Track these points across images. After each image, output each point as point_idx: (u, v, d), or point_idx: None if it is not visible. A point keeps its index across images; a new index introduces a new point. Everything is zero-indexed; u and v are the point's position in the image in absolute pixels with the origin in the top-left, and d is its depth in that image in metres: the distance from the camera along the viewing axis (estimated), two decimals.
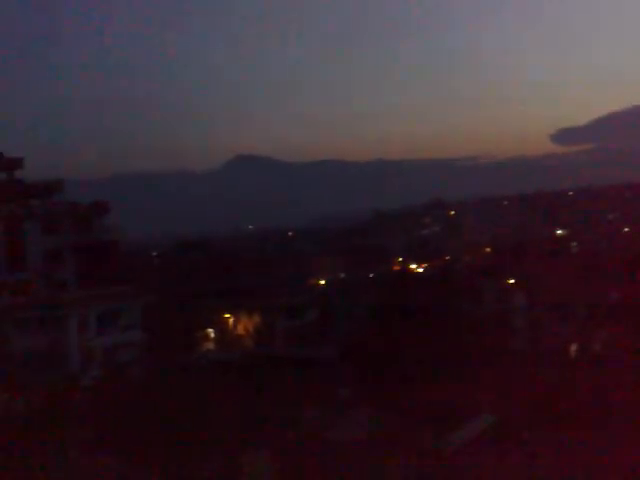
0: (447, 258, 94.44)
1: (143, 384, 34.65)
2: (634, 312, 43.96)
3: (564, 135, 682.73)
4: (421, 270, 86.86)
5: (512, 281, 61.38)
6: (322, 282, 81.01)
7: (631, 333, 39.90)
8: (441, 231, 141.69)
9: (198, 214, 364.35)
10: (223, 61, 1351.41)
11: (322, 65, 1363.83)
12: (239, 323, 59.65)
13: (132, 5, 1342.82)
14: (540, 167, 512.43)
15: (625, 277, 54.92)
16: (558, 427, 26.22)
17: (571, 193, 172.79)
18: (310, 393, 31.12)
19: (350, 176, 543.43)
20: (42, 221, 46.70)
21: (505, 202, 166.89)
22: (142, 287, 48.25)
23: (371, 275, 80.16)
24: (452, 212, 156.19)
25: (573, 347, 43.19)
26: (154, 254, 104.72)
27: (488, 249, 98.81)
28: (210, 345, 56.97)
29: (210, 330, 58.64)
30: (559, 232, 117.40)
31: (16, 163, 47.78)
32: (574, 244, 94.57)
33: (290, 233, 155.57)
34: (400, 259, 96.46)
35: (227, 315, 60.17)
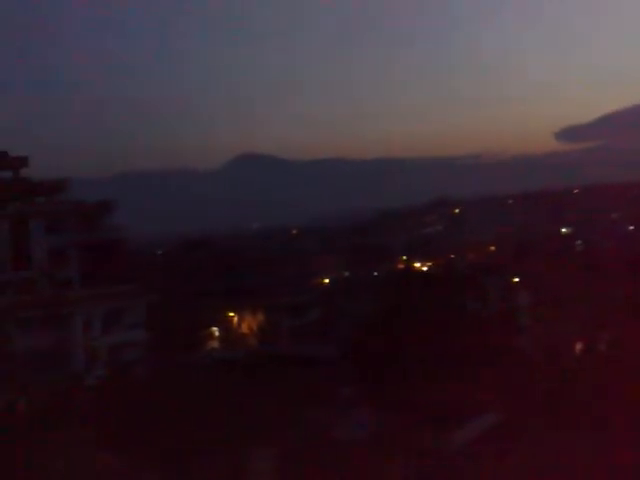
0: (451, 256, 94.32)
1: (147, 383, 34.68)
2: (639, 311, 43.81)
3: (568, 133, 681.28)
4: (425, 269, 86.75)
5: (516, 280, 61.26)
6: (326, 281, 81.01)
7: (637, 332, 39.75)
8: (445, 229, 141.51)
9: (201, 213, 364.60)
10: (225, 60, 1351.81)
11: (324, 64, 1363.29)
12: (243, 322, 59.71)
13: (135, 5, 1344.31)
14: (544, 165, 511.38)
15: (630, 276, 54.73)
16: (562, 427, 26.14)
17: (576, 191, 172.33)
18: (313, 392, 31.11)
19: (353, 174, 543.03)
20: (47, 220, 46.71)
21: (509, 200, 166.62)
22: (146, 286, 48.24)
23: (375, 274, 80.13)
24: (456, 210, 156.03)
25: (578, 346, 43.08)
26: (159, 253, 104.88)
27: (492, 247, 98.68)
28: (214, 344, 57.05)
29: (214, 329, 58.73)
30: (564, 230, 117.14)
31: (21, 162, 47.79)
32: (579, 242, 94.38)
33: (294, 232, 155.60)
34: (404, 258, 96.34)
35: (231, 314, 60.24)
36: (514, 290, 58.06)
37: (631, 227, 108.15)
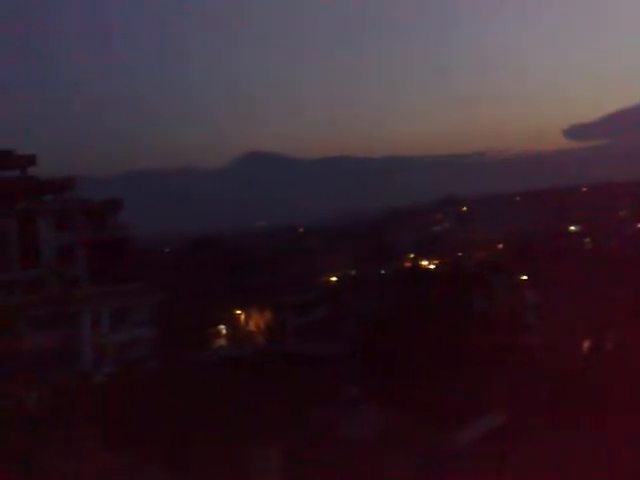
0: (458, 255, 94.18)
1: (155, 381, 34.78)
2: None
3: (576, 131, 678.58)
4: (432, 267, 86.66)
5: (524, 278, 61.12)
6: (332, 279, 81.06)
7: None
8: (452, 227, 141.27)
9: (207, 211, 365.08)
10: (230, 59, 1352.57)
11: (332, 62, 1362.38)
12: (250, 320, 59.81)
13: (142, 4, 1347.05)
14: (552, 163, 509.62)
15: (638, 274, 54.47)
16: (568, 427, 26.07)
17: (584, 189, 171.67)
18: (319, 390, 31.14)
19: (359, 173, 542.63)
20: (55, 218, 46.89)
21: (517, 198, 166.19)
22: (154, 284, 48.39)
23: (382, 272, 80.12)
24: (464, 208, 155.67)
25: (586, 344, 42.94)
26: (166, 251, 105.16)
27: (499, 246, 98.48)
28: (221, 342, 57.18)
29: (221, 327, 58.86)
30: (572, 228, 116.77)
31: (28, 160, 47.99)
32: (586, 240, 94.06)
33: (300, 230, 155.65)
34: (411, 256, 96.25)
35: (238, 312, 60.35)
36: (521, 288, 57.92)
37: (639, 225, 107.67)
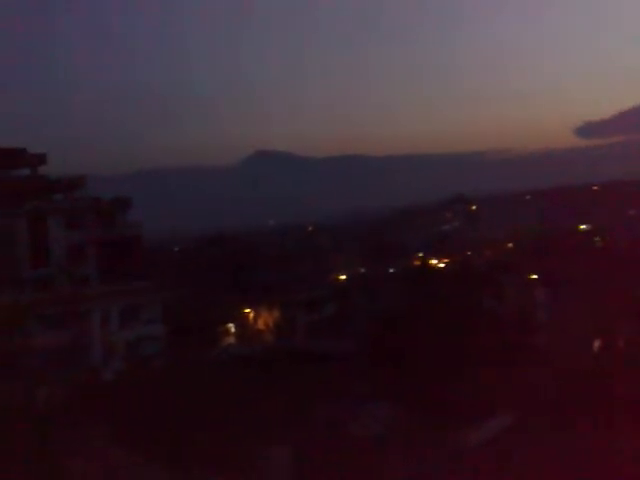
0: (468, 253, 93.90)
1: (164, 379, 34.85)
2: None
3: (588, 129, 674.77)
4: (442, 265, 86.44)
5: (534, 276, 60.81)
6: (342, 277, 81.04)
7: None
8: (462, 226, 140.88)
9: (217, 210, 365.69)
10: (241, 58, 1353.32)
11: (339, 62, 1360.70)
12: (259, 318, 59.86)
13: (151, 4, 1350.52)
14: (563, 161, 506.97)
15: None
16: (579, 427, 25.90)
17: (595, 187, 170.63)
18: (329, 387, 31.09)
19: (369, 171, 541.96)
20: (65, 217, 47.09)
21: (528, 197, 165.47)
22: (163, 282, 48.55)
23: (391, 270, 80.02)
24: (473, 207, 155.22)
25: (597, 343, 42.68)
26: (175, 249, 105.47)
27: (510, 244, 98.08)
28: (231, 340, 57.26)
29: (230, 325, 58.93)
30: (582, 227, 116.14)
31: (39, 159, 48.21)
32: (597, 239, 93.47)
33: (309, 228, 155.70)
34: (420, 254, 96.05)
35: (247, 310, 60.41)
36: (531, 287, 57.64)
37: None
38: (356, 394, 31.55)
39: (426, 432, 25.85)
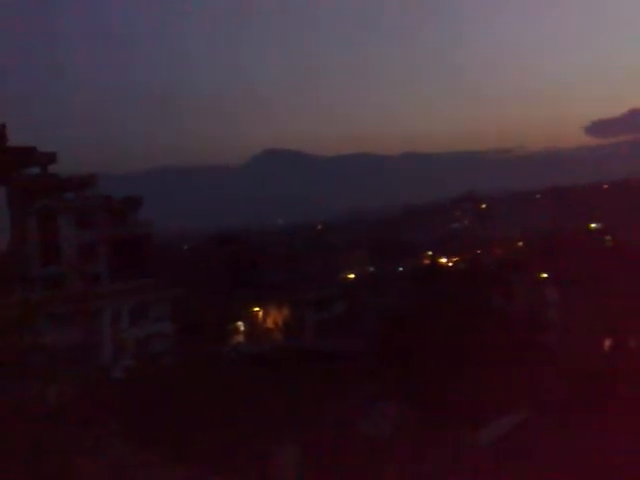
0: (478, 252, 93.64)
1: (173, 376, 34.96)
2: None
3: (598, 128, 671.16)
4: (451, 264, 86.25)
5: (544, 275, 60.59)
6: (351, 276, 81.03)
7: None
8: (471, 225, 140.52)
9: (226, 208, 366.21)
10: (250, 57, 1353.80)
11: (351, 59, 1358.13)
12: (268, 316, 59.96)
13: (161, 4, 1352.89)
14: (573, 160, 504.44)
15: None
16: (588, 427, 25.78)
17: (606, 186, 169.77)
18: (337, 386, 31.08)
19: (379, 170, 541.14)
20: (76, 215, 47.27)
21: (537, 195, 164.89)
22: (173, 280, 48.69)
23: (400, 269, 79.94)
24: (483, 205, 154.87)
25: (607, 343, 42.50)
26: (185, 248, 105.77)
27: (520, 243, 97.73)
28: (240, 338, 57.40)
29: (240, 323, 59.08)
30: (593, 226, 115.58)
31: (49, 158, 48.37)
32: (608, 238, 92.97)
33: (319, 227, 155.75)
34: (430, 253, 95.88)
35: (257, 308, 60.54)
36: (541, 286, 57.44)
37: None
38: (365, 393, 31.53)
39: (434, 431, 25.80)
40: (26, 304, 41.44)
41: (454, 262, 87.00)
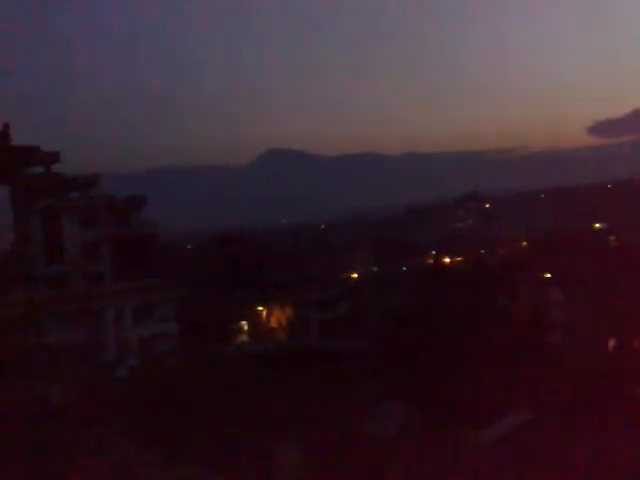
0: (482, 252, 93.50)
1: (177, 376, 34.96)
2: None
3: (601, 128, 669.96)
4: (455, 264, 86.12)
5: (548, 275, 60.40)
6: (355, 276, 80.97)
7: None
8: (475, 224, 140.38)
9: (230, 208, 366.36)
10: (254, 58, 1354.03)
11: (353, 60, 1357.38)
12: (272, 316, 59.94)
13: (165, 6, 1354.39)
14: (577, 160, 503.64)
15: None
16: (592, 427, 25.67)
17: (609, 186, 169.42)
18: (342, 386, 31.04)
19: (382, 169, 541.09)
20: (79, 215, 47.29)
21: (541, 195, 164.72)
22: (177, 280, 48.68)
23: (404, 268, 79.84)
24: (487, 205, 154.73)
25: (611, 343, 42.37)
26: (189, 247, 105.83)
27: (523, 243, 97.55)
28: (244, 337, 57.38)
29: (244, 323, 59.06)
30: (596, 226, 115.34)
31: (53, 157, 48.40)
32: (612, 238, 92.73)
33: (322, 227, 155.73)
34: (434, 253, 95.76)
35: (260, 308, 60.51)
36: (545, 286, 57.27)
37: None
38: (369, 393, 31.48)
39: (439, 431, 25.73)
40: (30, 303, 41.50)
41: (458, 262, 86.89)
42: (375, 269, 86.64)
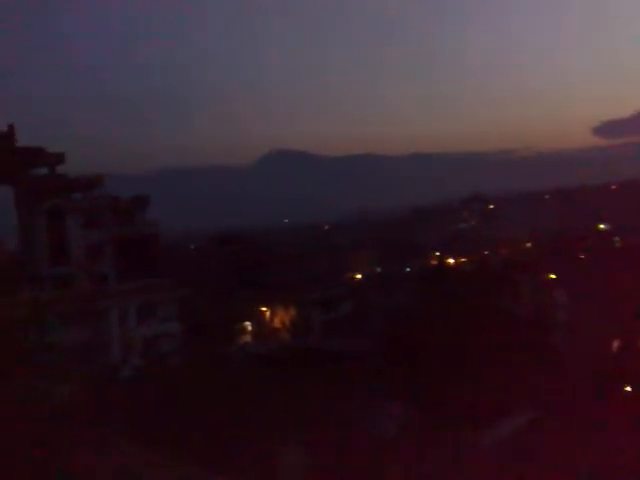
0: (485, 253, 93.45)
1: (180, 376, 35.07)
2: None
3: (606, 128, 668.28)
4: (459, 265, 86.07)
5: (552, 276, 60.37)
6: (358, 276, 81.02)
7: None
8: (479, 225, 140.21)
9: (234, 209, 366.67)
10: (258, 57, 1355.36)
11: (358, 60, 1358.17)
12: (275, 316, 60.03)
13: (161, 4, 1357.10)
14: (581, 161, 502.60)
15: None
16: (595, 428, 25.68)
17: (613, 187, 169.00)
18: (344, 386, 31.10)
19: (385, 170, 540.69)
20: (84, 216, 47.44)
21: (546, 196, 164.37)
22: (180, 280, 48.79)
23: (408, 269, 79.87)
24: (491, 206, 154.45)
25: (615, 344, 42.34)
26: (192, 247, 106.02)
27: (528, 244, 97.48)
28: (247, 338, 57.49)
29: (247, 323, 59.18)
30: (601, 226, 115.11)
31: (57, 158, 48.53)
32: (616, 239, 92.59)
33: (326, 227, 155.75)
34: (437, 253, 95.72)
35: (264, 308, 60.60)
36: (549, 287, 57.23)
37: None
38: (371, 393, 31.54)
39: (440, 431, 25.78)
40: (35, 304, 41.66)
41: (461, 263, 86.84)
42: (378, 269, 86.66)
